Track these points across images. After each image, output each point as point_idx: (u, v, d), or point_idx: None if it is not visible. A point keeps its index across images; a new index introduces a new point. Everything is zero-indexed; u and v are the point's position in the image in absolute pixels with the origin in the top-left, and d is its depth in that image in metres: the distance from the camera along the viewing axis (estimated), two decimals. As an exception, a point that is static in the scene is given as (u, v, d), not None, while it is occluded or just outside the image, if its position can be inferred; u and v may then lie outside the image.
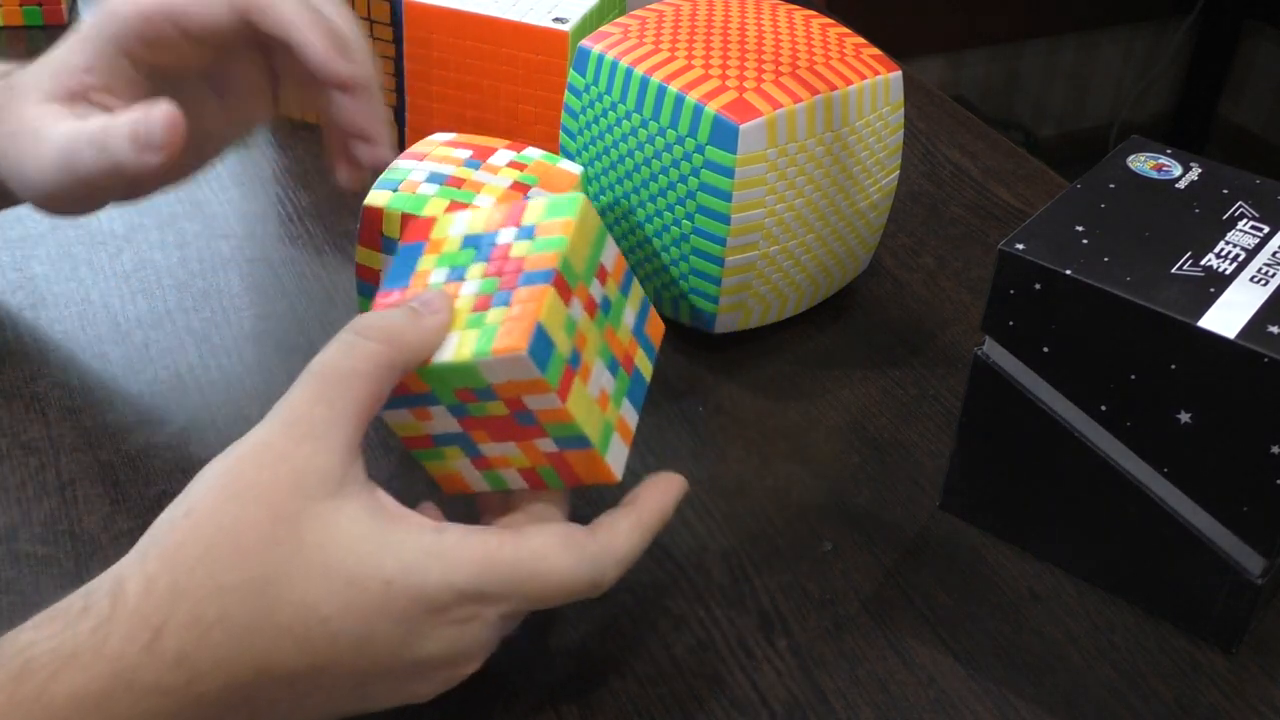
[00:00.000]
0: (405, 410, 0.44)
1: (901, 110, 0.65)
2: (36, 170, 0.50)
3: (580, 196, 0.46)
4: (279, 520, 0.38)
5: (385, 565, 0.39)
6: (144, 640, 0.36)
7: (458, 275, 0.45)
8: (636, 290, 0.48)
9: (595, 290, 0.45)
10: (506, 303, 0.43)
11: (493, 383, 0.42)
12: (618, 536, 0.44)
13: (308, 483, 0.39)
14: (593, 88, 0.63)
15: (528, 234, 0.45)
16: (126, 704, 0.36)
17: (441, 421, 0.44)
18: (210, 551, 0.37)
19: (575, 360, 0.44)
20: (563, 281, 0.44)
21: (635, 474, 0.57)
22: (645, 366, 0.48)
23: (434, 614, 0.39)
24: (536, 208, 0.46)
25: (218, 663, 0.37)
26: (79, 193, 0.50)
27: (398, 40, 0.75)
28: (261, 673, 0.37)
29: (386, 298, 0.46)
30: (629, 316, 0.47)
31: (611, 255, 0.47)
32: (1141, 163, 0.54)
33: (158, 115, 0.47)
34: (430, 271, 0.46)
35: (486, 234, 0.46)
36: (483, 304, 0.44)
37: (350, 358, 0.41)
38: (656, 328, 0.49)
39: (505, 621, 0.42)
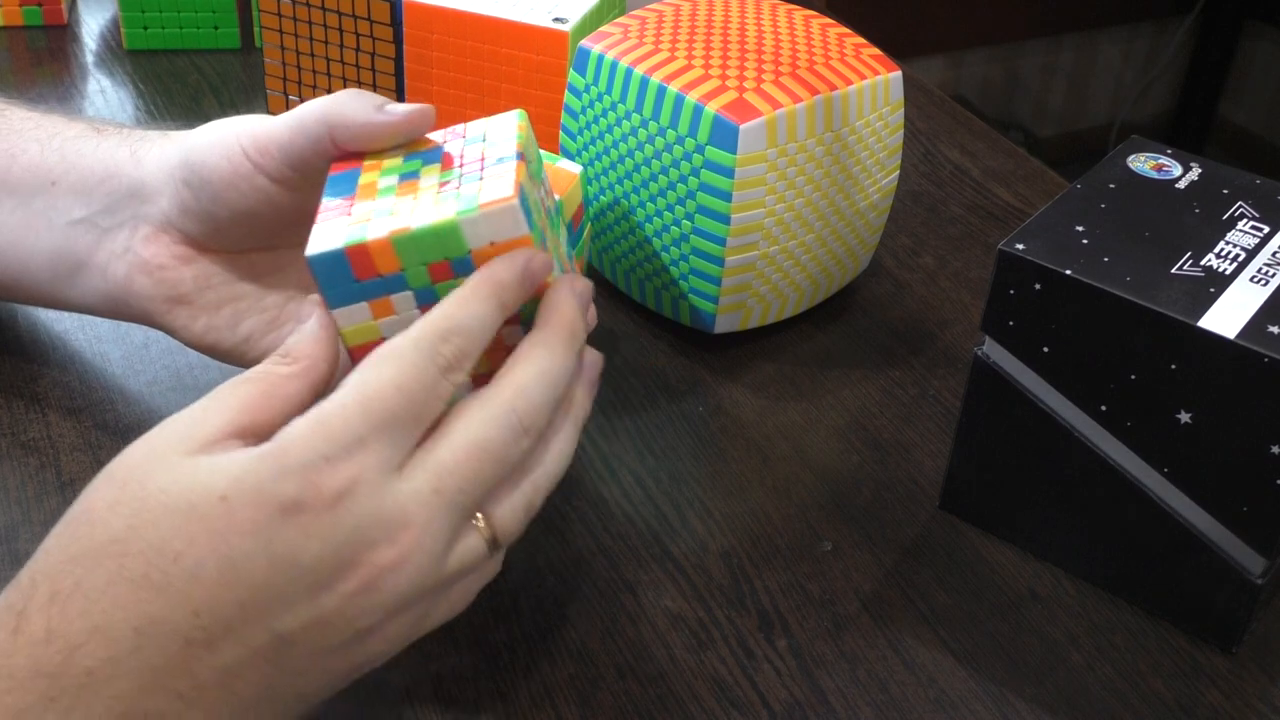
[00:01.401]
0: (363, 303, 0.42)
1: (901, 110, 0.65)
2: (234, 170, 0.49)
3: (519, 111, 0.46)
4: (127, 484, 0.37)
5: (217, 483, 0.36)
6: (10, 626, 0.35)
7: (411, 176, 0.44)
8: (562, 228, 0.48)
9: (544, 195, 0.45)
10: (478, 178, 0.42)
11: (473, 248, 0.41)
12: (516, 356, 0.40)
13: (159, 447, 0.37)
14: (593, 88, 0.63)
15: (478, 139, 0.45)
16: (12, 695, 0.34)
17: (402, 313, 0.42)
18: (64, 531, 0.37)
19: (543, 243, 0.42)
20: (524, 166, 0.43)
21: (635, 474, 0.57)
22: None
23: (289, 512, 0.36)
24: (478, 124, 0.46)
25: (90, 630, 0.35)
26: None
27: (398, 40, 0.75)
28: (141, 633, 0.35)
29: (331, 205, 0.43)
30: (565, 241, 0.47)
31: (548, 183, 0.47)
32: (1141, 163, 0.54)
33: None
34: (376, 181, 0.44)
35: (430, 150, 0.45)
36: (449, 187, 0.42)
37: (248, 370, 0.40)
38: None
39: (398, 475, 0.38)
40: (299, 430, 0.37)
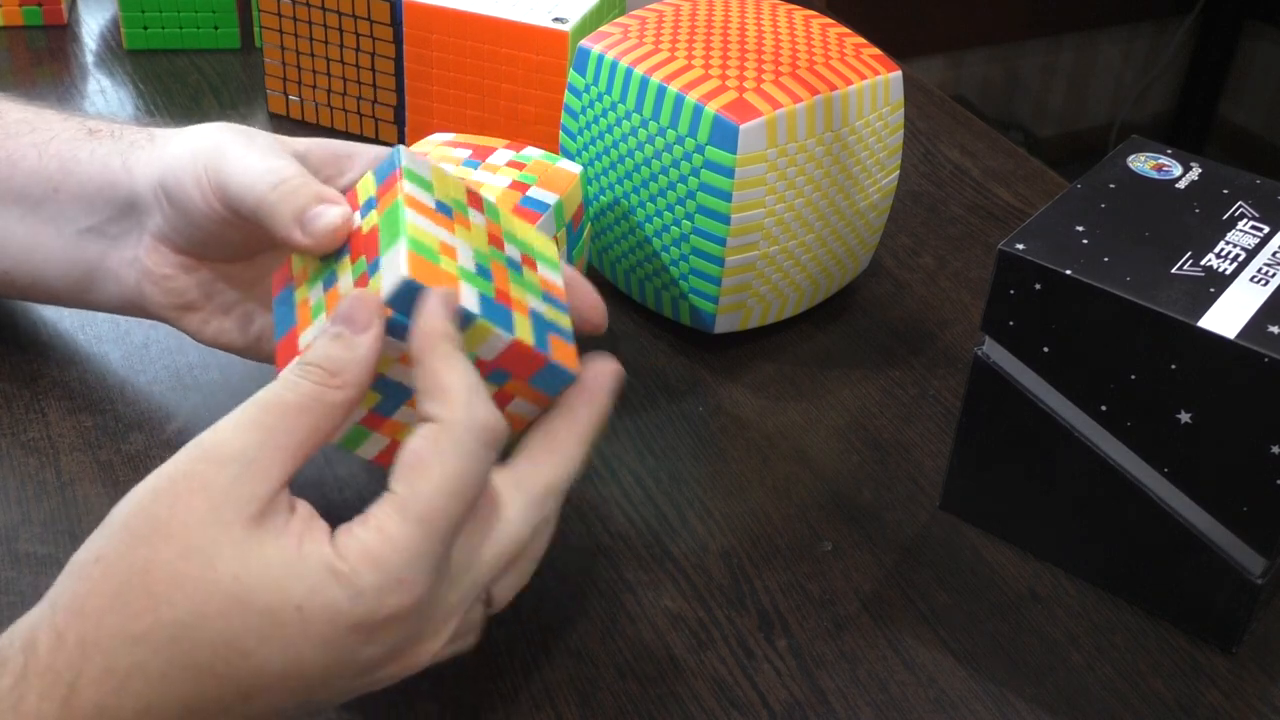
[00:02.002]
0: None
1: (901, 110, 0.65)
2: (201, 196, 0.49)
3: (397, 149, 0.44)
4: (190, 555, 0.36)
5: (294, 591, 0.37)
6: (60, 695, 0.35)
7: (330, 281, 0.43)
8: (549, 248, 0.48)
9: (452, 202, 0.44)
10: (378, 269, 0.41)
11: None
12: (448, 395, 0.39)
13: (225, 512, 0.37)
14: (593, 88, 0.63)
15: (369, 207, 0.44)
16: None
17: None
18: (118, 599, 0.36)
19: (477, 268, 0.42)
20: (413, 200, 0.42)
21: (635, 474, 0.57)
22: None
23: (356, 630, 0.37)
24: (365, 183, 0.45)
25: (140, 711, 0.36)
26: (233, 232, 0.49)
27: (398, 40, 0.75)
28: (190, 711, 0.36)
29: (285, 341, 0.43)
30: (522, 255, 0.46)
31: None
32: (1141, 163, 0.54)
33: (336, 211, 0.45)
34: (308, 298, 0.44)
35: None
36: (362, 282, 0.42)
37: (293, 391, 0.39)
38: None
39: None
40: (369, 549, 0.37)
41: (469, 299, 0.41)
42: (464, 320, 0.40)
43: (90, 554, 0.37)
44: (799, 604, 0.51)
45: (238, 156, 0.47)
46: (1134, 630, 0.51)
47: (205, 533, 0.36)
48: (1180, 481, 0.48)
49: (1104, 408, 0.49)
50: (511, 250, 0.45)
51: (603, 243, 0.66)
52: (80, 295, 0.55)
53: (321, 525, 0.38)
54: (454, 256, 0.42)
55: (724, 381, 0.63)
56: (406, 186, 0.42)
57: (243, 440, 0.38)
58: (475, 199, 0.46)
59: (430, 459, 0.38)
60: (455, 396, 0.38)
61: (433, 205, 0.43)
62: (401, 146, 0.45)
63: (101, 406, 0.58)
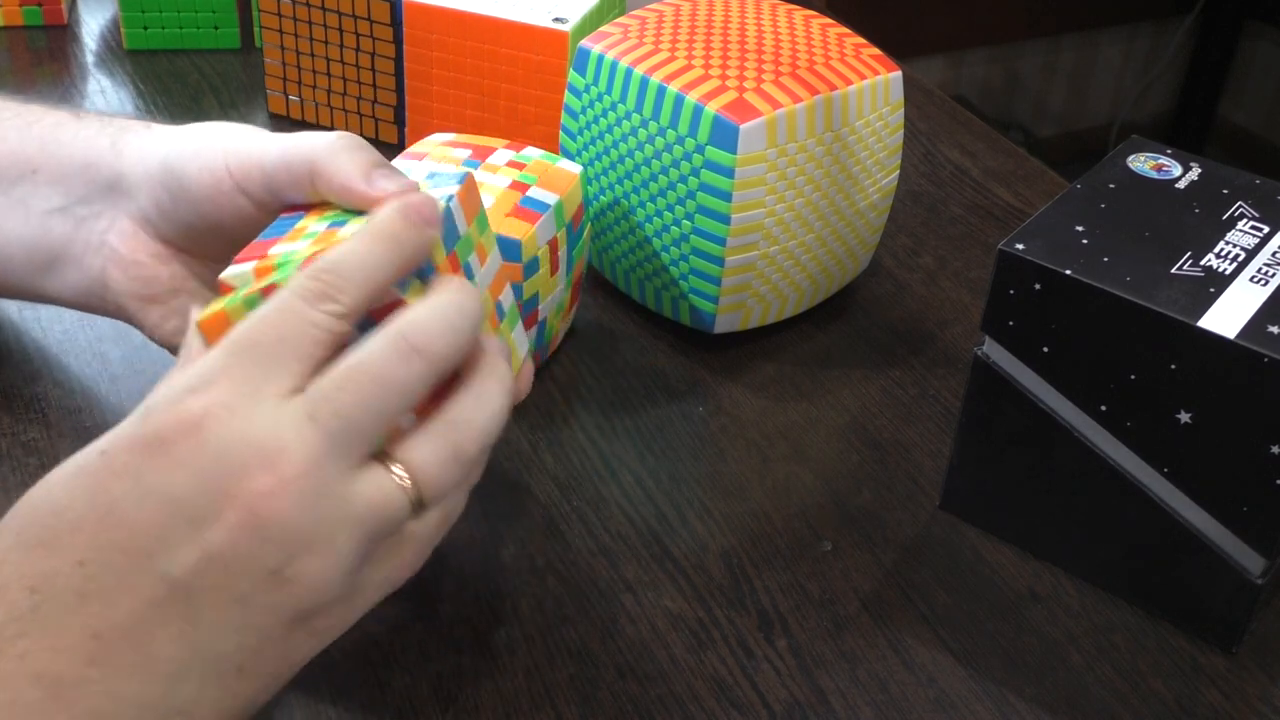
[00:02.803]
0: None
1: (901, 110, 0.65)
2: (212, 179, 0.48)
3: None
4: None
5: (99, 441, 0.37)
6: None
7: (340, 222, 0.44)
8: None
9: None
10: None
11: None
12: (335, 249, 0.40)
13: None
14: (593, 88, 0.63)
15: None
16: None
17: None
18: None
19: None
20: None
21: (635, 474, 0.57)
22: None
23: (152, 446, 0.36)
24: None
25: None
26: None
27: (398, 40, 0.75)
28: (36, 590, 0.35)
29: (254, 248, 0.43)
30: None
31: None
32: (1141, 163, 0.54)
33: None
34: (306, 229, 0.44)
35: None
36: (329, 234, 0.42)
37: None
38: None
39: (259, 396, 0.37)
40: (169, 374, 0.38)
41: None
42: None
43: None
44: (799, 604, 0.51)
45: (265, 135, 0.48)
46: (1134, 630, 0.51)
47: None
48: (1180, 481, 0.48)
49: (1104, 408, 0.49)
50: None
51: (603, 243, 0.66)
52: (40, 281, 0.54)
53: None
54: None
55: (724, 381, 0.63)
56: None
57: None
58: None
59: (273, 300, 0.38)
60: (320, 261, 0.39)
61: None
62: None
63: (101, 406, 0.58)
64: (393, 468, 0.38)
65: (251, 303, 0.40)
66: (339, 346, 0.39)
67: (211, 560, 0.35)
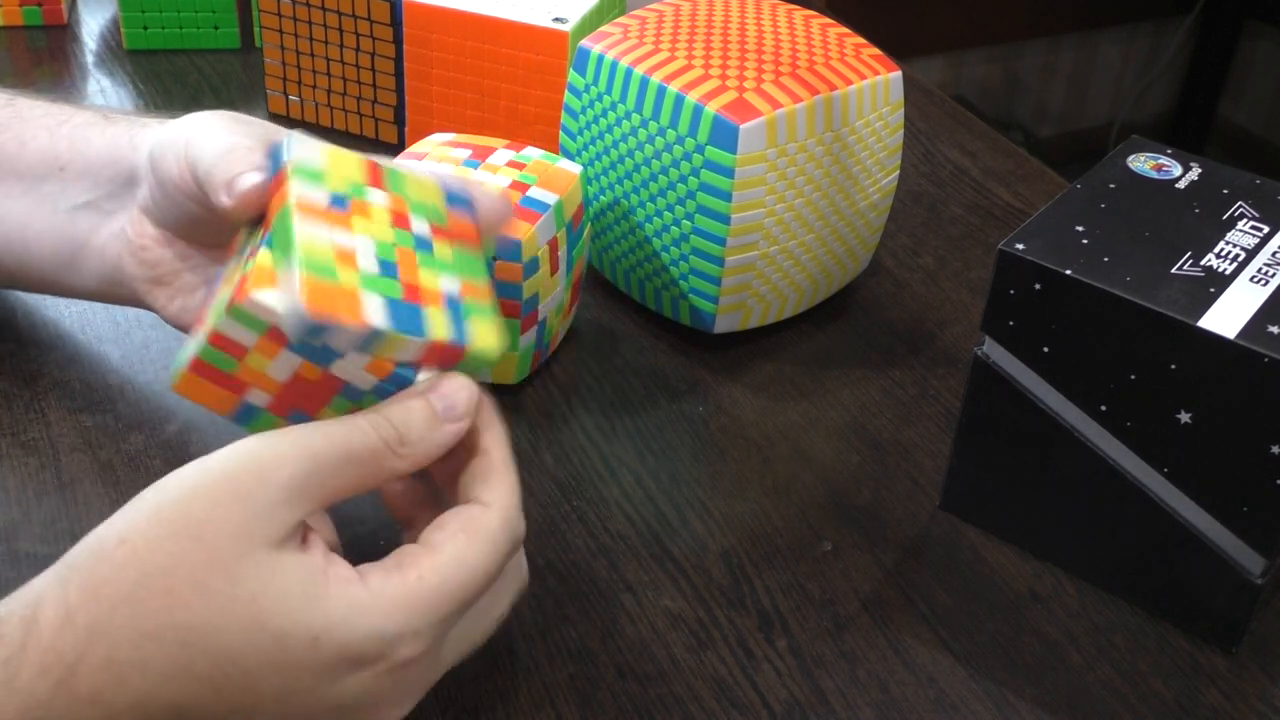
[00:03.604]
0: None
1: (901, 110, 0.65)
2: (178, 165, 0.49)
3: (289, 137, 0.44)
4: (215, 566, 0.36)
5: (314, 621, 0.37)
6: (57, 676, 0.35)
7: (244, 250, 0.43)
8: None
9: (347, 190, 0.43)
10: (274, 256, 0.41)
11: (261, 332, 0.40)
12: (501, 483, 0.42)
13: (257, 531, 0.37)
14: (593, 88, 0.63)
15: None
16: None
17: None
18: (137, 592, 0.36)
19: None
20: (303, 203, 0.41)
21: (635, 474, 0.57)
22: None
23: (359, 665, 0.38)
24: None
25: (133, 705, 0.36)
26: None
27: (398, 40, 0.75)
28: (180, 713, 0.37)
29: (206, 306, 0.44)
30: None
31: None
32: (1141, 163, 0.54)
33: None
34: (228, 266, 0.44)
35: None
36: (253, 255, 0.41)
37: (361, 441, 0.39)
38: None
39: (438, 648, 0.41)
40: (401, 595, 0.38)
41: (375, 313, 0.39)
42: (371, 339, 0.39)
43: (115, 533, 0.37)
44: (799, 604, 0.51)
45: (214, 133, 0.48)
46: (1134, 630, 0.51)
47: (235, 546, 0.37)
48: (1180, 481, 0.48)
49: (1104, 408, 0.49)
50: (419, 225, 0.44)
51: (603, 243, 0.66)
52: (62, 275, 0.55)
53: (340, 559, 0.39)
54: (353, 263, 0.40)
55: (724, 381, 0.63)
56: (296, 187, 0.41)
57: (294, 467, 0.38)
58: (375, 172, 0.44)
59: (484, 540, 0.40)
60: (508, 498, 0.41)
61: (326, 202, 0.41)
62: (292, 134, 0.43)
63: (101, 406, 0.58)
64: None
65: (211, 355, 0.41)
66: None
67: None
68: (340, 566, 0.39)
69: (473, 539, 0.40)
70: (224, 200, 0.44)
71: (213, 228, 0.51)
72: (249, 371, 0.41)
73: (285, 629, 0.37)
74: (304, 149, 0.43)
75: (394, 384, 0.42)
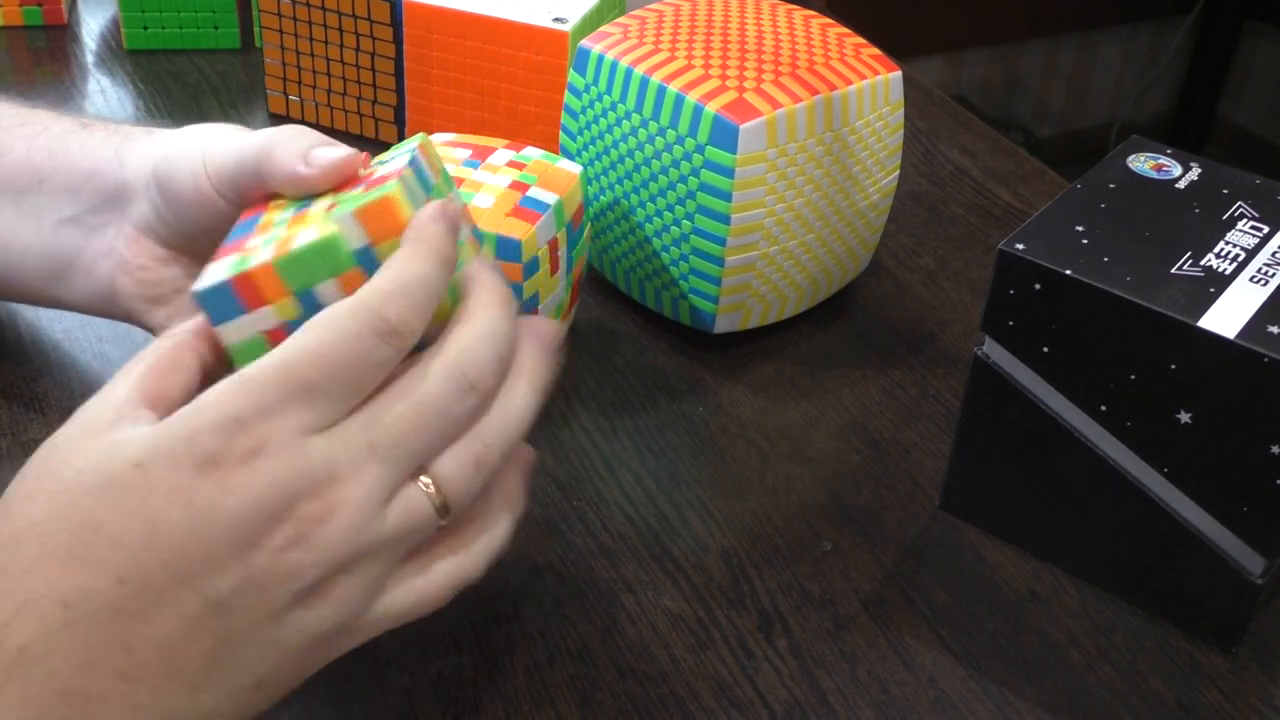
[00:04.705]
0: (259, 334, 0.40)
1: (901, 110, 0.65)
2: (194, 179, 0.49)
3: (421, 135, 0.45)
4: (40, 475, 0.37)
5: (133, 452, 0.36)
6: None
7: (304, 207, 0.43)
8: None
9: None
10: (361, 191, 0.41)
11: (354, 249, 0.39)
12: (392, 266, 0.39)
13: (69, 434, 0.38)
14: (593, 88, 0.63)
15: (376, 163, 0.44)
16: None
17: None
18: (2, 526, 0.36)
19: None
20: (412, 173, 0.41)
21: (635, 474, 0.57)
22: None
23: (205, 469, 0.35)
24: (384, 155, 0.45)
25: (17, 608, 0.34)
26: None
27: (398, 40, 0.75)
28: (70, 606, 0.35)
29: (226, 246, 0.43)
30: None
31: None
32: (1141, 163, 0.54)
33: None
34: (273, 218, 0.43)
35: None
36: (334, 208, 0.41)
37: (190, 322, 0.40)
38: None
39: (334, 436, 0.37)
40: (214, 393, 0.37)
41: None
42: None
43: None
44: (799, 604, 0.51)
45: (232, 138, 0.48)
46: (1134, 630, 0.51)
47: (54, 455, 0.37)
48: (1180, 481, 0.48)
49: (1104, 408, 0.49)
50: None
51: (603, 243, 0.66)
52: (52, 289, 0.55)
53: None
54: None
55: (724, 381, 0.63)
56: (407, 171, 0.42)
57: (127, 378, 0.39)
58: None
59: (315, 323, 0.37)
60: (373, 284, 0.38)
61: (431, 188, 0.43)
62: (419, 144, 0.44)
63: (101, 406, 0.58)
64: (424, 482, 0.39)
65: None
66: None
67: (252, 581, 0.36)
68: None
69: (308, 326, 0.38)
70: (301, 169, 0.44)
71: (219, 239, 0.50)
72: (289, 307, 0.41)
73: (110, 472, 0.36)
74: (426, 159, 0.44)
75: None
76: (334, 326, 0.37)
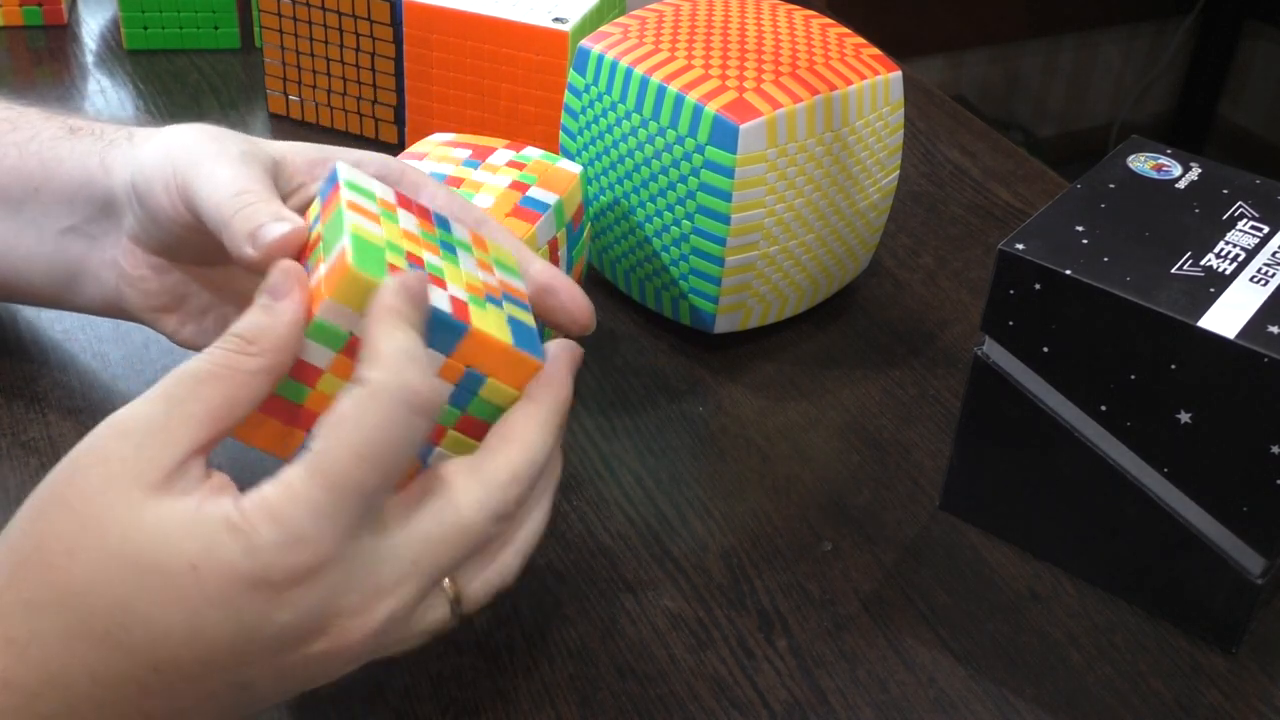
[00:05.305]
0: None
1: (901, 110, 0.65)
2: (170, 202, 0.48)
3: (338, 165, 0.44)
4: (86, 524, 0.35)
5: (187, 549, 0.35)
6: None
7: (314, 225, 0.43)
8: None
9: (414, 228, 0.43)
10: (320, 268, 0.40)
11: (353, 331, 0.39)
12: (378, 358, 0.37)
13: (123, 479, 0.36)
14: (593, 88, 0.63)
15: (315, 222, 0.43)
16: None
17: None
18: (17, 572, 0.35)
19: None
20: (355, 205, 0.41)
21: (635, 474, 0.57)
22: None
23: (256, 586, 0.36)
24: (312, 208, 0.45)
25: (45, 681, 0.35)
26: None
27: (398, 40, 0.75)
28: (99, 684, 0.35)
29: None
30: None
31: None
32: (1141, 163, 0.54)
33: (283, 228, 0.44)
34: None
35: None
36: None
37: (205, 360, 0.38)
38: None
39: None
40: (269, 504, 0.36)
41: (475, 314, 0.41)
42: (460, 331, 0.40)
43: None
44: (799, 604, 0.51)
45: (207, 168, 0.46)
46: (1134, 630, 0.51)
47: (101, 500, 0.36)
48: (1180, 481, 0.48)
49: (1104, 408, 0.49)
50: (465, 257, 0.45)
51: (603, 243, 0.66)
52: (63, 296, 0.55)
53: (231, 489, 0.37)
54: (401, 248, 0.41)
55: (724, 381, 0.63)
56: (347, 194, 0.42)
57: (148, 410, 0.37)
58: (424, 214, 0.45)
59: (349, 418, 0.36)
60: (386, 360, 0.37)
61: (377, 211, 0.42)
62: (341, 163, 0.44)
63: (101, 406, 0.58)
64: (447, 588, 0.40)
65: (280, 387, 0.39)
66: None
67: (280, 672, 0.38)
68: (223, 494, 0.37)
69: (341, 425, 0.36)
70: (249, 252, 0.42)
71: (212, 247, 0.48)
72: (320, 400, 0.40)
73: (163, 563, 0.35)
74: (354, 173, 0.44)
75: (466, 391, 0.41)
76: (368, 421, 0.37)
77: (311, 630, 0.37)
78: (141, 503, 0.36)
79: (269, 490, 0.36)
